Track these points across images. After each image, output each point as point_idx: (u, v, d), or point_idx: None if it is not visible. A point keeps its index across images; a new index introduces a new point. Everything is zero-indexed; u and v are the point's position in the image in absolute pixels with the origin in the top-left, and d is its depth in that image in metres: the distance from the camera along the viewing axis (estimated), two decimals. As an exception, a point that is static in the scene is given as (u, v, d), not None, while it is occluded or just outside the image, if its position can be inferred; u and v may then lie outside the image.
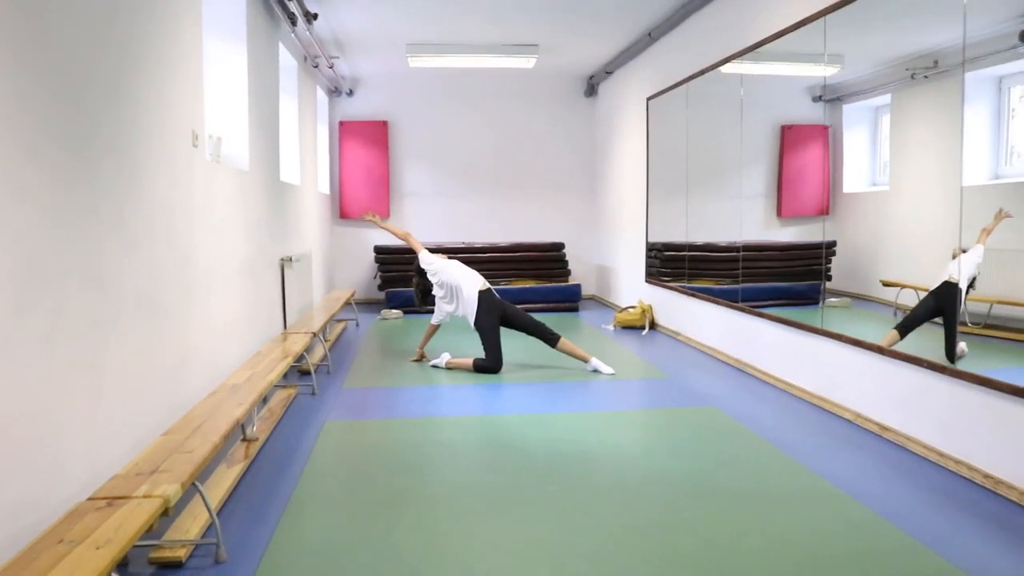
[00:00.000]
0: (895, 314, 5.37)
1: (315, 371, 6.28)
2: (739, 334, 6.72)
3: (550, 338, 6.53)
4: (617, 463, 4.21)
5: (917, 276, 5.27)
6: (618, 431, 4.86)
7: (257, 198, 5.85)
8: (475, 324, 6.52)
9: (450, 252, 10.17)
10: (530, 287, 10.32)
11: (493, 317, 6.49)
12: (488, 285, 6.66)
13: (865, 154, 6.62)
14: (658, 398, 5.68)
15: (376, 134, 11.19)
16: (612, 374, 6.38)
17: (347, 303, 8.67)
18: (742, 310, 6.72)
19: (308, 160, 8.76)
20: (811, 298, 6.43)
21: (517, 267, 10.48)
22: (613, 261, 10.85)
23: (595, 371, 6.42)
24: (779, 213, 7.57)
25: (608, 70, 10.49)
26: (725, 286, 7.47)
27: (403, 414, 5.21)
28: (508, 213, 11.65)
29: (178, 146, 3.98)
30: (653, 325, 8.75)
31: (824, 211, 6.56)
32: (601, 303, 11.26)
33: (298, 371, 6.33)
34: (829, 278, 6.27)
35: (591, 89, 11.57)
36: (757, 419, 5.05)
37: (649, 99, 9.02)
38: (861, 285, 6.09)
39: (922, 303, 4.86)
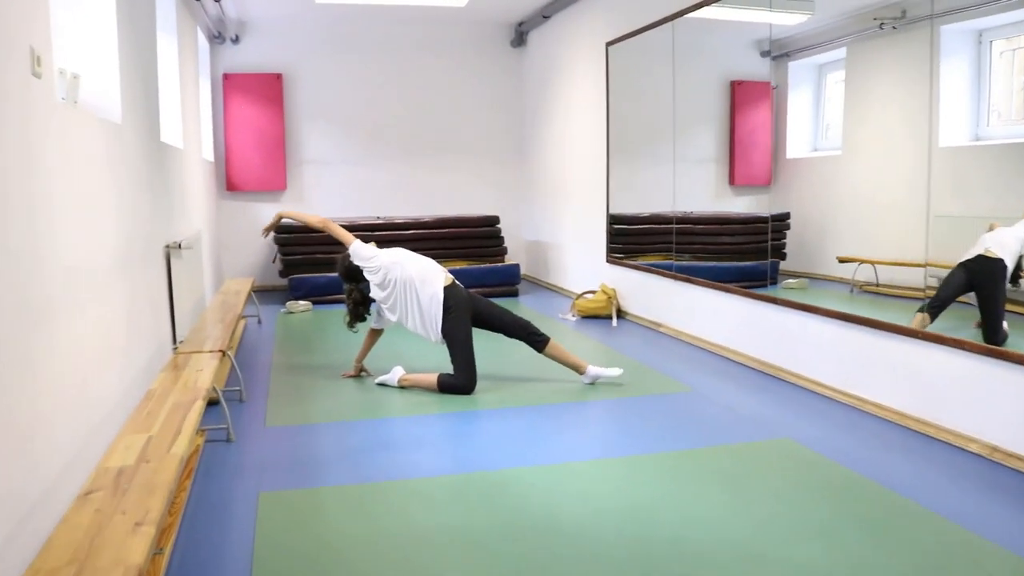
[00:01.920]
0: (851, 291, 5.10)
1: (225, 401, 4.65)
2: (764, 328, 5.42)
3: (537, 341, 5.05)
4: (737, 562, 2.79)
5: (878, 250, 5.02)
6: (695, 494, 3.37)
7: (135, 162, 4.12)
8: (442, 332, 4.94)
9: (364, 230, 8.56)
10: (462, 269, 8.78)
11: (464, 320, 4.95)
12: (452, 277, 5.08)
13: (808, 116, 6.14)
14: (706, 427, 4.28)
15: (268, 89, 9.35)
16: (619, 375, 5.05)
17: (249, 296, 6.96)
18: (770, 301, 5.40)
19: (191, 119, 6.94)
20: (767, 277, 5.83)
21: (445, 246, 8.91)
22: (553, 236, 9.43)
23: (593, 382, 5.00)
24: (731, 180, 6.86)
25: (545, 13, 8.98)
26: (678, 262, 6.75)
27: (363, 473, 3.62)
28: (425, 183, 10.05)
29: (5, 70, 2.28)
30: (620, 313, 7.39)
31: (767, 180, 6.11)
32: (539, 285, 9.83)
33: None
34: (783, 256, 5.86)
35: (519, 38, 10.05)
36: (867, 461, 3.72)
37: (609, 44, 7.59)
38: (811, 262, 5.71)
39: (949, 279, 4.24)
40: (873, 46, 5.16)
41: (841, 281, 5.28)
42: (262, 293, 9.17)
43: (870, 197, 5.17)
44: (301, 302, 8.15)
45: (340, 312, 8.10)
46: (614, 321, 7.19)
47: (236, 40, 9.27)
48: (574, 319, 7.37)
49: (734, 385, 5.07)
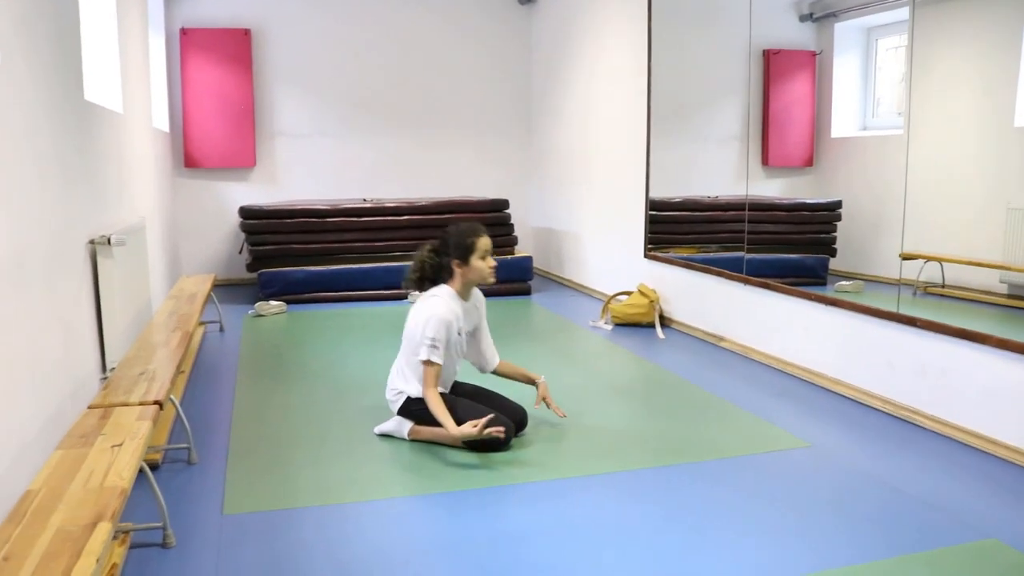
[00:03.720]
0: (914, 294, 4.43)
1: (163, 464, 3.30)
2: (888, 356, 4.12)
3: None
4: None
5: (944, 246, 4.44)
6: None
7: (35, 123, 2.74)
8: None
9: (349, 215, 7.21)
10: (464, 263, 7.44)
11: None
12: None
13: (856, 89, 5.44)
14: (861, 516, 2.98)
15: (235, 48, 7.90)
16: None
17: (208, 297, 5.59)
18: (893, 318, 4.11)
19: (136, 79, 5.50)
20: (817, 276, 5.28)
21: (445, 235, 7.56)
22: (570, 224, 8.08)
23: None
24: (764, 161, 5.96)
25: (564, -39, 7.62)
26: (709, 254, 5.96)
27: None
28: (419, 161, 8.66)
29: None
30: (663, 321, 6.09)
31: (807, 161, 5.60)
32: (550, 280, 8.50)
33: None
34: (833, 252, 5.27)
35: (529, -7, 8.67)
36: None
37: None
38: (862, 260, 5.13)
39: None
40: (945, 8, 4.50)
41: (897, 283, 4.43)
42: (227, 289, 7.76)
43: (936, 185, 4.45)
44: (273, 302, 6.76)
45: (321, 314, 6.90)
46: (660, 331, 5.88)
47: (196, -12, 7.81)
48: (608, 327, 6.06)
49: (863, 437, 3.77)
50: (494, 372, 3.91)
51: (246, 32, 7.92)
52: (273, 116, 8.22)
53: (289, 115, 8.26)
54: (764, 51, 5.89)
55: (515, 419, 3.64)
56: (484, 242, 3.59)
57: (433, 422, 3.51)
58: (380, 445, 3.63)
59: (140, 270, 4.62)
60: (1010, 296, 4.07)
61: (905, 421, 3.93)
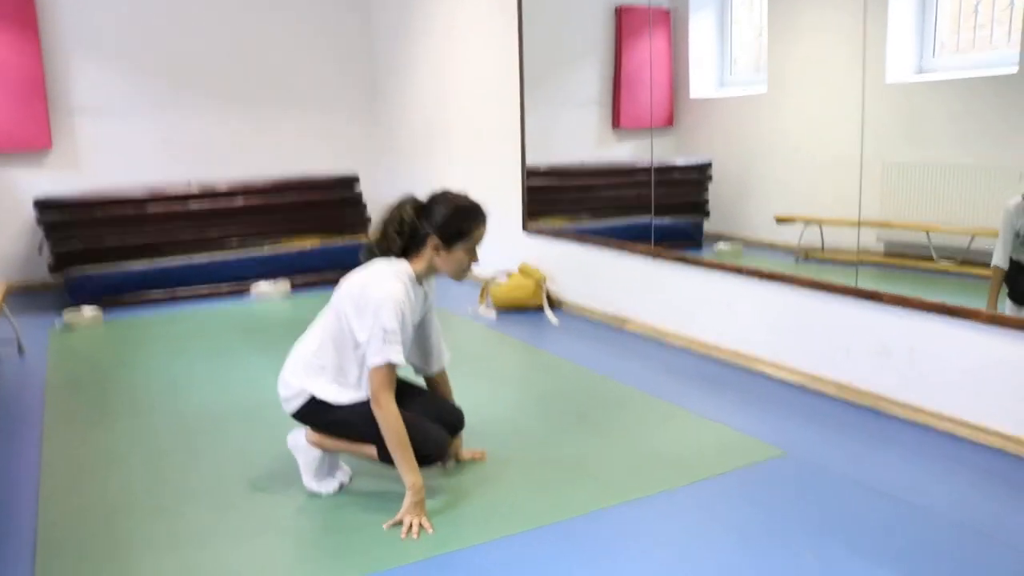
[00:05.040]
0: (796, 261, 4.36)
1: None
2: (837, 333, 3.60)
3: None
4: None
5: (817, 207, 4.30)
6: None
7: None
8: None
9: (173, 201, 6.13)
10: (314, 249, 6.50)
11: None
12: None
13: (713, 48, 5.29)
14: (895, 551, 2.40)
15: (13, 8, 6.53)
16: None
17: (-3, 314, 4.45)
18: (830, 289, 3.59)
19: None
20: (692, 239, 5.10)
21: (289, 219, 6.58)
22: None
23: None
24: (615, 123, 5.80)
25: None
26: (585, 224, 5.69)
27: None
28: (252, 141, 7.59)
29: None
30: (551, 303, 5.42)
31: (667, 121, 5.32)
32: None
33: None
34: (707, 214, 5.11)
35: (364, -54, 7.71)
36: None
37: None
38: (734, 222, 4.95)
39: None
40: None
41: (773, 246, 4.52)
42: (26, 298, 6.47)
43: (806, 144, 4.41)
44: (86, 309, 5.60)
45: (148, 321, 5.79)
46: (551, 316, 5.20)
47: (-43, -67, 6.39)
48: (492, 314, 5.33)
49: (834, 435, 3.22)
50: (426, 376, 3.03)
51: (27, -14, 6.56)
52: (71, 89, 6.90)
53: (91, 88, 6.96)
54: (616, 8, 5.65)
55: (454, 423, 2.89)
56: (481, 232, 2.73)
57: (345, 437, 2.71)
58: (262, 499, 2.75)
59: None
60: (887, 255, 3.89)
61: (869, 409, 3.43)
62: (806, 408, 3.50)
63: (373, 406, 2.55)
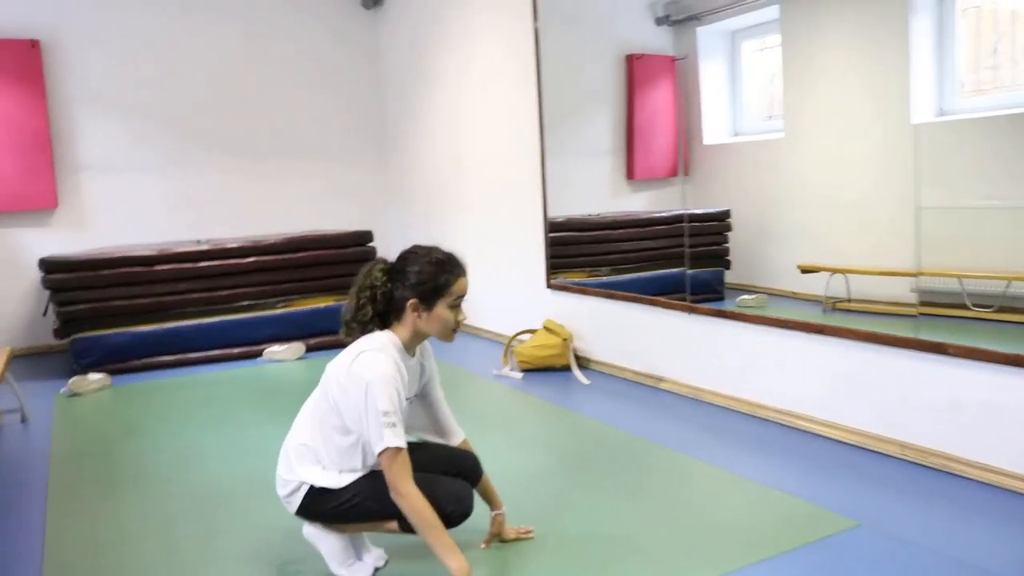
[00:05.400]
0: (824, 311, 4.15)
1: None
2: (908, 394, 3.36)
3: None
4: None
5: (842, 256, 4.15)
6: None
7: None
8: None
9: (182, 260, 5.95)
10: (328, 308, 6.29)
11: None
12: None
13: (726, 94, 5.16)
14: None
15: (20, 63, 6.42)
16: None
17: (0, 380, 4.20)
18: (901, 344, 3.36)
19: None
20: (714, 291, 4.81)
21: (302, 277, 6.37)
22: (446, 255, 7.07)
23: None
24: (630, 175, 5.64)
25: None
26: (604, 278, 5.46)
27: None
28: (259, 196, 7.45)
29: None
30: (579, 361, 5.19)
31: (673, 171, 5.18)
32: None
33: None
34: (727, 264, 4.91)
35: (375, -5, 7.65)
36: None
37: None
38: (754, 272, 4.77)
39: None
40: (817, 7, 4.30)
41: (796, 296, 4.36)
42: (32, 361, 6.25)
43: (828, 189, 4.24)
44: (92, 376, 5.36)
45: (157, 386, 5.53)
46: (580, 375, 4.97)
47: (-36, -8, 6.31)
48: (517, 375, 5.09)
49: (908, 501, 2.96)
50: None
51: (33, 44, 6.44)
52: (77, 147, 6.77)
53: (97, 145, 6.83)
54: (627, 56, 5.51)
55: (472, 474, 2.64)
56: (462, 285, 2.47)
57: (359, 521, 2.48)
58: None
59: None
60: (924, 304, 3.61)
61: (938, 470, 3.18)
62: (870, 471, 3.25)
63: (394, 497, 2.32)
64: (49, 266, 5.73)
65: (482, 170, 6.34)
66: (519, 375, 5.08)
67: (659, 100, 5.55)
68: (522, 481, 3.28)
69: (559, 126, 5.57)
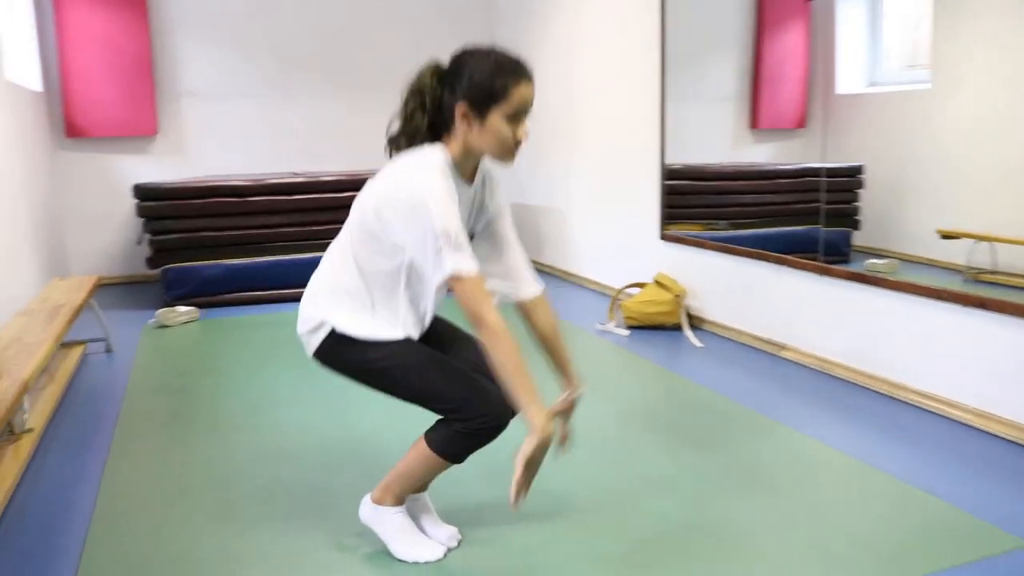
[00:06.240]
0: (964, 282, 3.52)
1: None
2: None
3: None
4: None
5: (997, 221, 3.48)
6: None
7: None
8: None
9: (277, 192, 5.71)
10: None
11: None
12: None
13: (863, 41, 4.60)
14: None
15: (125, -14, 6.26)
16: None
17: (82, 308, 4.05)
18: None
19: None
20: (840, 253, 4.21)
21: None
22: (551, 198, 6.65)
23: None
24: (754, 123, 5.18)
25: None
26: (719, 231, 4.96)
27: None
28: (360, 129, 7.09)
29: None
30: (692, 321, 4.73)
31: (800, 122, 4.79)
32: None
33: None
34: (856, 224, 4.33)
35: (489, -80, 7.15)
36: None
37: None
38: (887, 235, 4.18)
39: None
40: None
41: (933, 263, 3.75)
42: (125, 290, 6.19)
43: (980, 147, 3.61)
44: (181, 308, 5.21)
45: (244, 322, 5.34)
46: (693, 337, 4.51)
47: (70, -92, 6.13)
48: (624, 332, 4.67)
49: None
50: (526, 315, 2.27)
51: (138, -35, 6.26)
52: (178, 73, 6.60)
53: (199, 71, 6.65)
54: None
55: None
56: (524, 93, 2.00)
57: (378, 387, 2.14)
58: (347, 565, 2.18)
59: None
60: None
61: None
62: (1038, 475, 2.72)
63: (475, 329, 1.91)
64: (142, 193, 5.58)
65: (596, 110, 5.86)
66: (625, 332, 4.66)
67: (789, 44, 5.05)
68: (618, 451, 2.89)
69: (680, 67, 5.07)
